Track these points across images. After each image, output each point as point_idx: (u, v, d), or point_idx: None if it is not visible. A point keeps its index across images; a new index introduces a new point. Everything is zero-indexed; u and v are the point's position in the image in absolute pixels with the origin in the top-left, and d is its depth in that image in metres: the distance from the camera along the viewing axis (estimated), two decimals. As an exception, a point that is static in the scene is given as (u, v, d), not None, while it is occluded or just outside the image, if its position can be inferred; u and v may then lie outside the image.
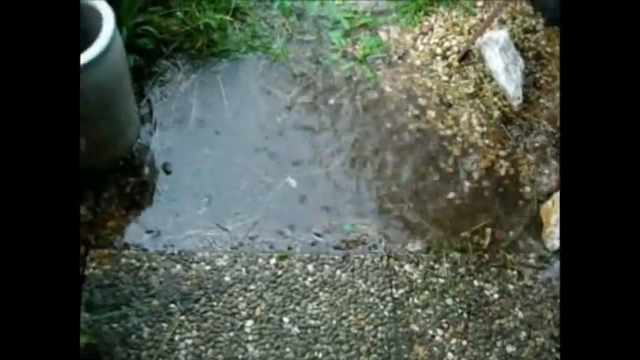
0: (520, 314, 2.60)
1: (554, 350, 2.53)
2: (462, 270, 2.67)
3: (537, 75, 3.29)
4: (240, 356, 2.38)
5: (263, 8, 3.41)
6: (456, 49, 3.34)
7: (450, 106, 3.14)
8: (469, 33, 3.40)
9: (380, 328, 2.49)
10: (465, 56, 3.31)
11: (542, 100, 3.21)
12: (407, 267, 2.64)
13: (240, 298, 2.49)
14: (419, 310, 2.55)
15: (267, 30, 3.33)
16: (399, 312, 2.53)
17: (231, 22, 3.27)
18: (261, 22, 3.35)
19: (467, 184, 2.91)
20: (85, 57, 2.31)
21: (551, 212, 2.78)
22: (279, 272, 2.57)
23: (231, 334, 2.42)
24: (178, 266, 2.54)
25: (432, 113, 3.10)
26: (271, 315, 2.47)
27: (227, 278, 2.53)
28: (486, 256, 2.73)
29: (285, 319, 2.47)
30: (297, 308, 2.49)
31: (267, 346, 2.41)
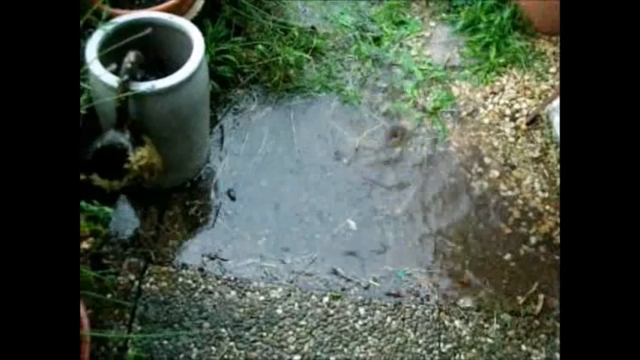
0: (565, 385, 2.57)
1: None
2: (511, 333, 2.66)
3: (604, 147, 3.28)
4: (284, 390, 2.41)
5: (341, 51, 3.50)
6: (525, 112, 3.37)
7: (513, 167, 3.16)
8: (539, 98, 3.43)
9: (424, 381, 2.50)
10: (534, 120, 3.34)
11: (606, 173, 3.21)
12: (457, 322, 2.64)
13: (290, 332, 2.52)
14: (465, 368, 2.55)
15: (342, 72, 3.41)
16: (444, 367, 2.53)
17: (308, 61, 3.36)
18: (337, 64, 3.43)
19: (524, 247, 2.91)
20: (174, 79, 2.40)
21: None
22: (331, 311, 2.59)
23: (278, 366, 2.44)
24: (233, 292, 2.59)
25: (495, 173, 3.12)
26: (319, 353, 2.49)
27: (279, 311, 2.56)
28: (537, 322, 2.71)
29: (332, 359, 2.48)
30: (345, 350, 2.51)
31: (312, 383, 2.43)
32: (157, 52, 2.58)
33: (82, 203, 1.90)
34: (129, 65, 2.33)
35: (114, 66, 2.36)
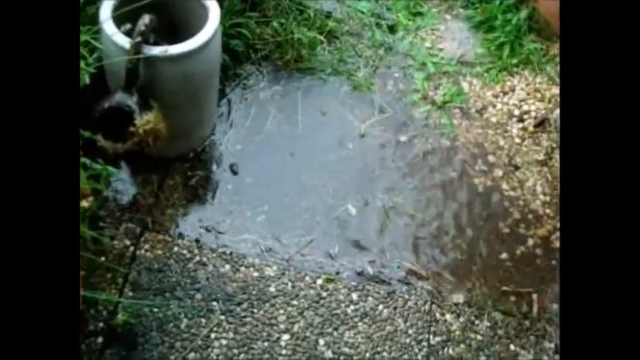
0: (551, 388, 2.57)
1: None
2: (500, 331, 2.65)
3: (609, 156, 3.27)
4: (270, 368, 2.40)
5: (355, 36, 3.48)
6: (533, 114, 3.36)
7: (517, 168, 3.15)
8: (549, 102, 3.41)
9: (411, 371, 2.49)
10: (541, 123, 3.32)
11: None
12: (448, 316, 2.63)
13: (281, 311, 2.51)
14: (452, 362, 2.54)
15: (354, 57, 3.39)
16: (432, 359, 2.52)
17: (321, 43, 3.34)
18: (350, 49, 3.41)
19: (521, 248, 2.90)
20: (187, 46, 2.38)
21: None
22: (324, 294, 2.58)
23: (266, 344, 2.43)
24: (227, 266, 2.57)
25: (498, 172, 3.11)
26: (308, 334, 2.48)
27: (272, 289, 2.55)
28: (527, 322, 2.70)
29: (321, 341, 2.47)
30: (335, 333, 2.50)
31: (299, 363, 2.42)
32: (170, 18, 2.55)
33: (86, 160, 1.88)
34: (142, 28, 2.30)
35: (127, 26, 2.33)
